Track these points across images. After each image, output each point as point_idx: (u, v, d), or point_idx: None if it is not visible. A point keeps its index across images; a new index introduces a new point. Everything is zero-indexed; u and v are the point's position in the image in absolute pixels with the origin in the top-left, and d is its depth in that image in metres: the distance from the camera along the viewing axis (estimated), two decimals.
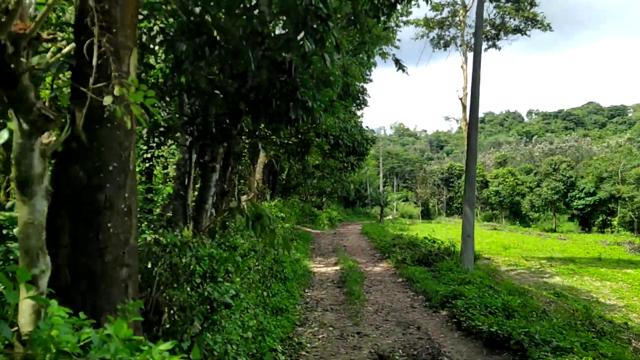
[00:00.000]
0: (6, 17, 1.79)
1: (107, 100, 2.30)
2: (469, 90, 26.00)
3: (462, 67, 26.42)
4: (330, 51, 5.66)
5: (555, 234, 60.02)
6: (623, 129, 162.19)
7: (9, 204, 9.62)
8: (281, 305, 9.31)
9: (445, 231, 46.03)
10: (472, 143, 14.27)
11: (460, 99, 26.01)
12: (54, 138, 1.98)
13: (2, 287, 1.77)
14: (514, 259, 29.46)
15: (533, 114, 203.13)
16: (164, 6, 5.65)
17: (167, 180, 20.33)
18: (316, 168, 26.84)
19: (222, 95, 6.89)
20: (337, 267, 16.82)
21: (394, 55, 8.04)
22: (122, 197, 3.91)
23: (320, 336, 8.65)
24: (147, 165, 20.03)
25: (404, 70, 8.02)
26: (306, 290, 12.83)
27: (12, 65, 1.82)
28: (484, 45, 22.83)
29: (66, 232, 4.23)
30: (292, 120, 7.16)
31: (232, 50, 5.39)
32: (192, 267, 5.06)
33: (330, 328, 9.16)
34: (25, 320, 1.90)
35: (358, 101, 26.50)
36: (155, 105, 5.09)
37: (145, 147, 20.21)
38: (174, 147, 19.73)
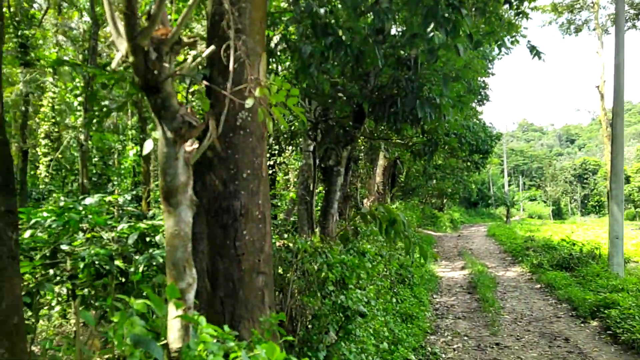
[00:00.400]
0: (148, 22, 1.74)
1: (249, 102, 2.19)
2: (607, 77, 23.60)
3: (597, 52, 24.04)
4: (462, 41, 5.26)
5: None
6: None
7: (150, 213, 10.33)
8: (410, 312, 8.95)
9: (582, 232, 42.23)
10: (618, 133, 12.76)
11: (597, 87, 23.67)
12: (196, 146, 1.91)
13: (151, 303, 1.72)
14: None
15: None
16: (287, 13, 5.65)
17: (288, 186, 20.88)
18: (437, 169, 25.94)
19: (345, 98, 6.76)
20: (465, 272, 16.01)
21: (528, 42, 7.34)
22: (256, 204, 3.87)
23: (454, 346, 8.16)
24: (269, 172, 20.77)
25: (540, 57, 7.29)
26: (434, 296, 12.31)
27: (156, 71, 1.76)
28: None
29: (204, 239, 4.31)
30: (418, 119, 6.81)
31: (357, 49, 5.22)
32: (323, 274, 4.93)
33: (465, 338, 8.61)
34: (174, 337, 1.83)
35: (480, 97, 25.23)
36: (283, 114, 5.05)
37: (267, 155, 20.92)
38: (294, 154, 20.21)
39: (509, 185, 79.52)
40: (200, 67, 4.72)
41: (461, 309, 10.86)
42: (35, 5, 16.38)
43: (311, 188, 8.30)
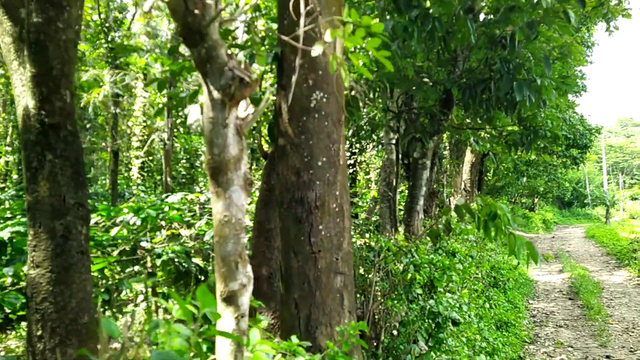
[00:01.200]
0: None
1: (318, 48, 1.77)
2: None
3: None
4: (573, 7, 4.54)
5: None
6: None
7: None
8: (505, 318, 8.16)
9: None
10: None
11: None
12: (251, 110, 1.52)
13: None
14: None
15: None
16: None
17: (369, 186, 20.38)
18: (528, 165, 24.30)
19: (430, 83, 6.20)
20: (564, 275, 14.71)
21: None
22: (333, 195, 3.45)
23: (557, 358, 7.31)
24: (350, 171, 20.41)
25: None
26: (530, 302, 11.32)
27: (197, 11, 1.40)
28: None
29: (278, 235, 3.96)
30: (514, 104, 6.10)
31: (447, 23, 4.67)
32: (410, 275, 4.43)
33: (570, 349, 7.71)
34: (224, 352, 1.46)
35: (577, 87, 23.38)
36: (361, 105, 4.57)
37: (348, 154, 20.63)
38: (375, 152, 19.70)
39: (608, 183, 73.90)
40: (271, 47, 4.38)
41: (562, 317, 9.85)
42: (128, 15, 17.10)
43: (394, 184, 7.78)
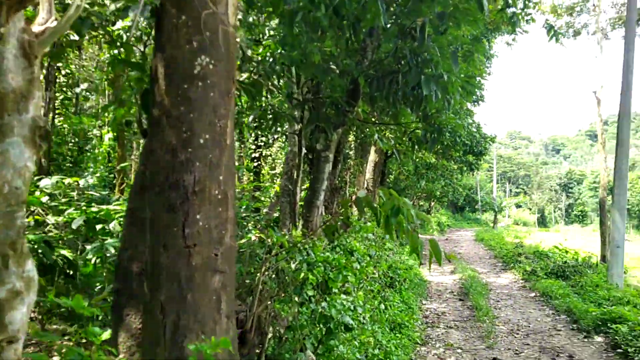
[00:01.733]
0: None
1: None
2: (605, 83, 22.98)
3: (596, 57, 23.43)
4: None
5: None
6: None
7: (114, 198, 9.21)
8: (400, 320, 8.04)
9: (570, 241, 41.70)
10: (624, 137, 11.98)
11: (594, 92, 23.03)
12: (52, 25, 0.99)
13: None
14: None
15: None
16: None
17: (275, 181, 19.90)
18: (428, 169, 25.11)
19: (337, 72, 5.86)
20: (455, 277, 15.20)
21: (546, 21, 6.49)
22: (215, 180, 2.92)
23: None
24: (255, 164, 19.78)
25: (557, 40, 6.44)
26: (424, 302, 11.44)
27: None
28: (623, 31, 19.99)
29: (147, 225, 3.36)
30: (420, 100, 5.92)
31: (356, 7, 4.32)
32: (302, 274, 4.01)
33: (459, 350, 7.74)
34: None
35: (475, 97, 24.48)
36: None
37: (253, 147, 19.98)
38: (280, 144, 19.26)
39: (497, 191, 79.25)
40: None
41: (453, 317, 10.00)
42: None
43: (295, 177, 7.37)
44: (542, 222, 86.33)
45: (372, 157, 15.70)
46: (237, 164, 19.22)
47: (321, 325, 3.79)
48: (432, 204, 48.28)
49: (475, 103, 25.21)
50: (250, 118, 6.85)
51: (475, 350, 7.78)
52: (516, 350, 7.78)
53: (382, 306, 7.55)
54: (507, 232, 45.71)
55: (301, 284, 3.99)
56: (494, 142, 22.10)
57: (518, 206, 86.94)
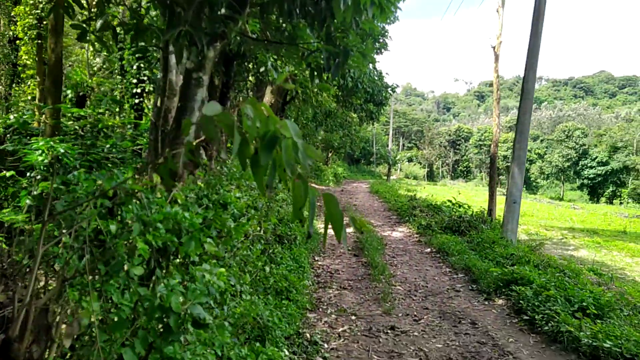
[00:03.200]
0: None
1: None
2: (504, 38, 23.02)
3: (497, 11, 23.24)
4: None
5: (567, 203, 57.82)
6: (633, 100, 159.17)
7: None
8: (286, 284, 6.85)
9: (457, 194, 43.50)
10: (530, 87, 11.52)
11: (493, 47, 22.98)
12: None
13: None
14: (532, 228, 27.22)
15: (542, 80, 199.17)
16: None
17: None
18: (328, 117, 24.06)
19: None
20: (350, 230, 14.41)
21: None
22: None
23: (340, 330, 6.25)
24: (136, 101, 17.43)
25: None
26: (316, 258, 10.44)
27: None
28: None
29: None
30: (324, 18, 4.54)
31: None
32: (132, 240, 2.56)
33: (353, 317, 6.75)
34: None
35: (378, 44, 23.52)
36: None
37: (135, 81, 17.51)
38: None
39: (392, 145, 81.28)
40: None
41: (347, 276, 9.07)
42: None
43: (159, 105, 5.73)
44: (431, 176, 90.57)
45: (268, 98, 14.14)
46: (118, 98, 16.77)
47: (155, 322, 2.42)
48: (330, 155, 47.99)
49: (378, 51, 24.32)
50: (98, 25, 5.05)
51: (370, 316, 6.84)
52: (415, 316, 6.96)
53: (267, 269, 6.29)
54: (399, 185, 46.85)
55: (128, 254, 2.54)
56: (394, 92, 21.43)
57: (410, 160, 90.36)
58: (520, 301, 6.95)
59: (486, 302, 7.65)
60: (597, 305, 6.30)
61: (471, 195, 45.21)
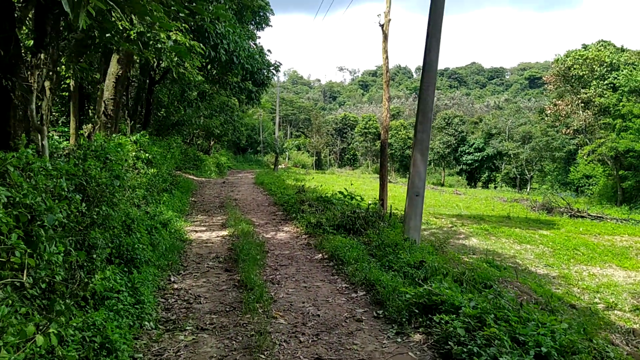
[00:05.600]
0: None
1: None
2: (392, 17, 21.61)
3: None
4: None
5: (450, 189, 59.73)
6: (501, 90, 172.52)
7: None
8: (97, 346, 4.21)
9: (343, 183, 42.52)
10: (432, 57, 9.71)
11: (382, 25, 21.48)
12: None
13: None
14: (423, 217, 26.62)
15: (421, 70, 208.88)
16: None
17: None
18: (202, 99, 21.05)
19: None
20: (226, 232, 11.89)
21: None
22: None
23: None
24: None
25: None
26: (173, 279, 7.79)
27: None
28: None
29: None
30: None
31: None
32: None
33: None
34: None
35: (258, 18, 21.00)
36: None
37: None
38: None
39: (279, 133, 79.32)
40: None
41: (211, 306, 6.57)
42: None
43: None
44: (319, 164, 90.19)
45: (114, 68, 11.00)
46: None
47: None
48: (212, 143, 44.70)
49: (259, 26, 21.82)
50: None
51: None
52: None
53: (41, 339, 3.64)
54: (288, 174, 44.88)
55: None
56: (278, 71, 19.11)
57: (298, 148, 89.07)
58: (449, 342, 4.92)
59: (399, 339, 5.55)
60: (559, 349, 4.42)
61: (359, 183, 44.55)
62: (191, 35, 11.01)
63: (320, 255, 9.59)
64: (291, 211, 14.65)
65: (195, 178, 27.89)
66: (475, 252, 17.32)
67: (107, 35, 8.44)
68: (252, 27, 20.98)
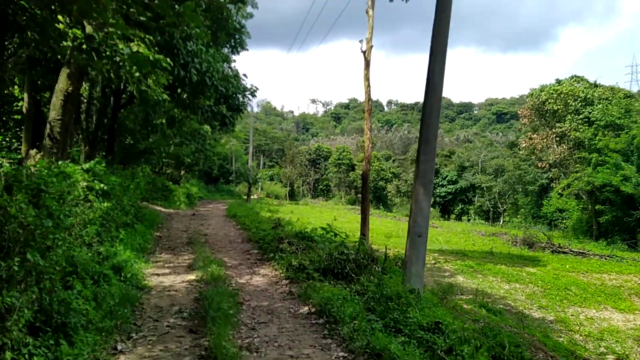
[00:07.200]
0: None
1: None
2: (375, 42, 20.59)
3: (367, 12, 20.82)
4: None
5: None
6: (470, 124, 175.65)
7: None
8: None
9: (317, 215, 41.02)
10: (436, 80, 8.40)
11: (364, 52, 20.45)
12: None
13: None
14: (403, 250, 25.26)
15: (392, 104, 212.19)
16: None
17: None
18: (170, 123, 19.35)
19: None
20: (193, 276, 10.17)
21: None
22: None
23: None
24: None
25: None
26: (120, 347, 6.05)
27: None
28: None
29: None
30: None
31: None
32: None
33: None
34: None
35: (233, 41, 19.69)
36: None
37: None
38: None
39: (253, 163, 77.68)
40: None
41: None
42: None
43: None
44: (292, 195, 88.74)
45: (63, 84, 9.25)
46: None
47: None
48: (182, 173, 42.78)
49: (235, 49, 20.50)
50: None
51: None
52: None
53: None
54: (261, 205, 43.10)
55: None
56: (254, 96, 17.71)
57: (271, 179, 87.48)
58: None
59: None
60: None
61: (334, 215, 43.09)
62: (156, 49, 9.53)
63: (307, 308, 7.97)
64: (268, 250, 12.99)
65: (163, 209, 25.99)
66: (464, 292, 16.03)
67: (50, 41, 6.89)
68: (227, 50, 19.66)
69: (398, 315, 6.70)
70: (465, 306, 11.89)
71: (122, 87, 18.21)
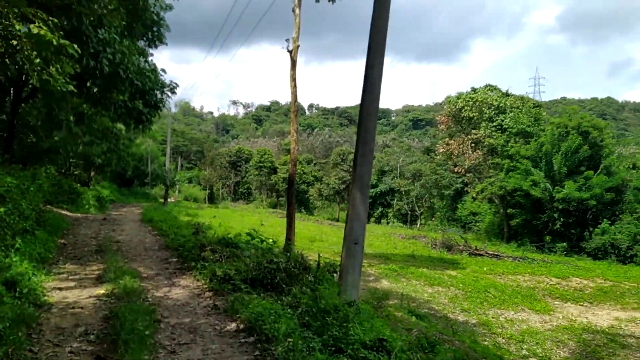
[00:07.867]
0: None
1: None
2: (301, 42, 20.07)
3: (293, 11, 20.26)
4: None
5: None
6: (388, 130, 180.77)
7: None
8: None
9: (239, 219, 39.90)
10: (374, 77, 7.94)
11: (290, 51, 19.85)
12: None
13: None
14: (327, 255, 24.87)
15: (314, 108, 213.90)
16: None
17: None
18: (79, 120, 17.62)
19: None
20: (102, 290, 9.03)
21: None
22: None
23: None
24: None
25: None
26: None
27: None
28: None
29: None
30: None
31: None
32: None
33: None
34: None
35: (151, 34, 18.38)
36: None
37: None
38: None
39: (170, 164, 74.66)
40: None
41: None
42: None
43: None
44: (212, 198, 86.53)
45: None
46: None
47: None
48: (93, 174, 40.00)
49: (152, 44, 19.17)
50: None
51: None
52: None
53: None
54: (179, 209, 41.25)
55: None
56: (174, 93, 16.55)
57: (189, 181, 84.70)
58: None
59: None
60: None
61: (257, 219, 42.13)
62: (62, 33, 8.37)
63: (235, 324, 7.17)
64: (189, 258, 11.98)
65: (69, 214, 23.92)
66: (390, 297, 15.88)
67: None
68: (143, 43, 18.32)
69: (337, 332, 6.10)
70: (396, 313, 11.61)
71: (23, 78, 16.41)
